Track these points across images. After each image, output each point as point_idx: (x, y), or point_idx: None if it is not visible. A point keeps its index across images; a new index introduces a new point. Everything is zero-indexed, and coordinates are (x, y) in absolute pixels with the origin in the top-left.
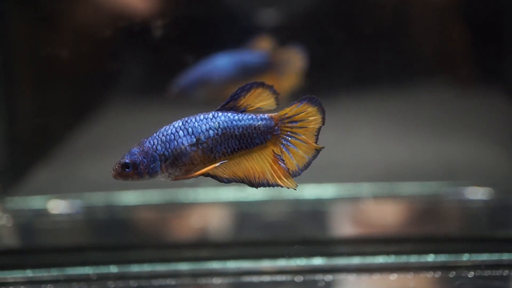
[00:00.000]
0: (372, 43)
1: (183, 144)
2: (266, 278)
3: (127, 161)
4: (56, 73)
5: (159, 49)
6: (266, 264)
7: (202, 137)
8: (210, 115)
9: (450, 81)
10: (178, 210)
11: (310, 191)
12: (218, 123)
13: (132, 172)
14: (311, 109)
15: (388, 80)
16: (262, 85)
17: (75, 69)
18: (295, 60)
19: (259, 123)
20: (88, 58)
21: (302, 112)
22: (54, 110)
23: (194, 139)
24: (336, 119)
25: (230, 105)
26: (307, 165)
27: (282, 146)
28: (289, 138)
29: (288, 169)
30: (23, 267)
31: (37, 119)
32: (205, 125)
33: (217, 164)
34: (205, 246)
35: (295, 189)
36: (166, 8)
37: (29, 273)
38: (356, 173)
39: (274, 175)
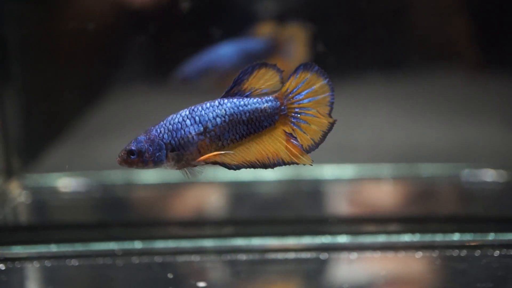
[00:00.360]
0: (393, 25)
1: (190, 133)
2: (291, 255)
3: (132, 148)
4: (72, 53)
5: (173, 31)
6: (291, 241)
7: (209, 125)
8: (216, 103)
9: (469, 64)
10: (193, 189)
11: (330, 171)
12: (225, 110)
13: (137, 159)
14: (310, 76)
15: (408, 63)
16: (264, 65)
17: (91, 49)
18: (299, 35)
19: (265, 105)
20: (102, 38)
21: (303, 82)
22: (71, 88)
23: (202, 128)
24: (357, 100)
25: (235, 90)
26: (323, 138)
27: (292, 124)
28: (298, 115)
29: (302, 145)
30: (47, 242)
31: (56, 96)
32: (212, 113)
33: (221, 152)
34: (229, 224)
35: (311, 165)
36: None
37: (54, 248)
38: (375, 154)
39: (289, 153)
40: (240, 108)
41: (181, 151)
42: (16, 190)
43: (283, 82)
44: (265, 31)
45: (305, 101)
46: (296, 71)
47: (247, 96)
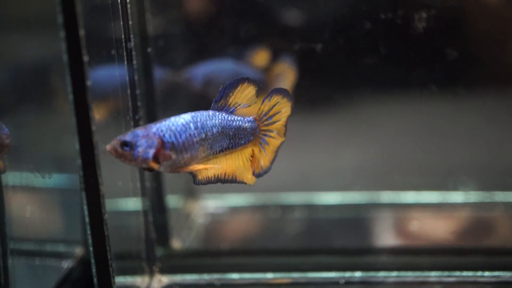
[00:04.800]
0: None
1: (195, 136)
2: None
3: (127, 139)
4: None
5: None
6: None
7: (208, 133)
8: (210, 113)
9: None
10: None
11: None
12: (219, 121)
13: (128, 152)
14: (281, 99)
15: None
16: (246, 79)
17: None
18: (287, 74)
19: (247, 125)
20: None
21: (274, 106)
22: None
23: (203, 135)
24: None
25: (222, 103)
26: (275, 158)
27: (260, 146)
28: (265, 137)
29: (260, 166)
30: (261, 270)
31: None
32: (210, 122)
33: (214, 166)
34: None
35: (251, 185)
36: None
37: (270, 276)
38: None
39: (243, 172)
40: (229, 122)
41: (182, 153)
42: (196, 210)
43: (257, 96)
44: (259, 60)
45: (273, 124)
46: (270, 94)
47: (231, 112)
